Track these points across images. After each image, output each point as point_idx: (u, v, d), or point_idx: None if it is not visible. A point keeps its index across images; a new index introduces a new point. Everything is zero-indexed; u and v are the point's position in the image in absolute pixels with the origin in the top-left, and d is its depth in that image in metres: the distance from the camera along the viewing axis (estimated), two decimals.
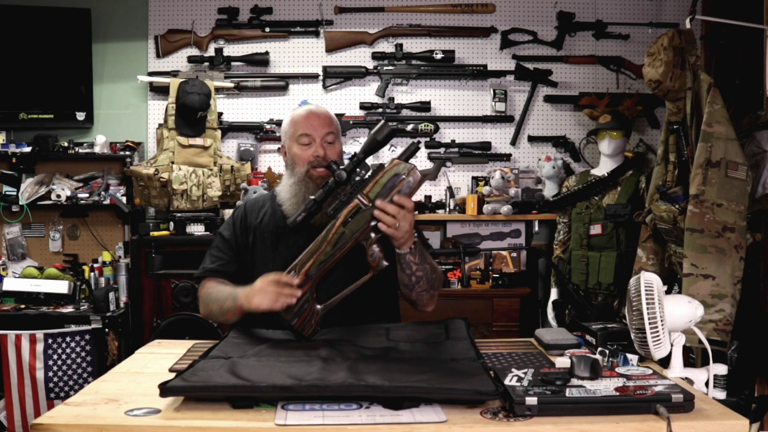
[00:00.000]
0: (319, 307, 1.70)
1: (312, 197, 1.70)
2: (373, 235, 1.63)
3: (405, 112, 3.99)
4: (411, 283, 1.79)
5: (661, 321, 1.53)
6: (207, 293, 1.90)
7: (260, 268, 1.83)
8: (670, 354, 1.57)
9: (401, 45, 3.96)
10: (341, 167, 1.65)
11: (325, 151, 1.87)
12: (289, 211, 1.86)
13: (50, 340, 3.34)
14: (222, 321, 1.87)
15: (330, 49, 3.98)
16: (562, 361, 1.60)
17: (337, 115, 3.82)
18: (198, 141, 3.65)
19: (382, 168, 1.60)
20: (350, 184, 1.65)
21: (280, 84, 3.95)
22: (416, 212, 1.64)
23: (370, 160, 1.83)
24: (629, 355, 1.60)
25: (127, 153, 3.80)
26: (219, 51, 3.93)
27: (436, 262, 1.89)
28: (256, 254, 1.93)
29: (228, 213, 3.48)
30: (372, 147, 1.68)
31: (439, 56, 3.95)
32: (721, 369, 1.66)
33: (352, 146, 4.00)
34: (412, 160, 1.64)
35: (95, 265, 3.80)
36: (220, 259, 1.94)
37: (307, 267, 1.65)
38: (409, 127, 3.94)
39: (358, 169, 1.66)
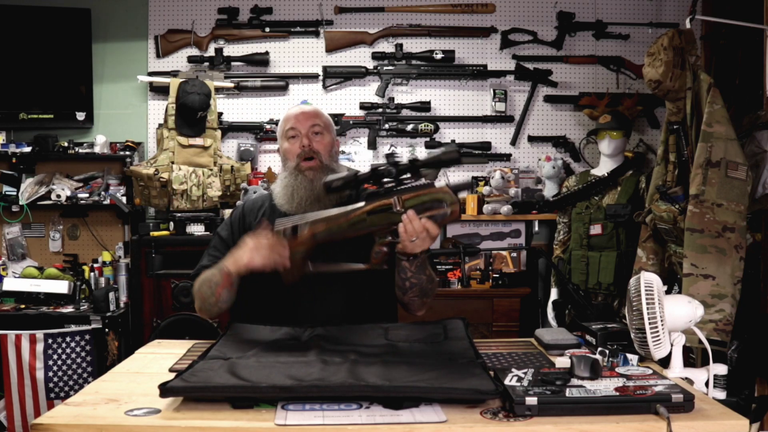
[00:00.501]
0: (311, 267, 1.69)
1: (355, 170, 1.73)
2: (389, 237, 1.64)
3: (405, 112, 3.99)
4: (404, 287, 1.82)
5: (661, 321, 1.53)
6: (198, 281, 1.90)
7: None
8: (670, 354, 1.57)
9: (401, 45, 3.96)
10: (396, 164, 1.63)
11: (311, 141, 1.92)
12: (281, 203, 1.91)
13: (50, 340, 3.34)
14: (213, 304, 1.82)
15: (330, 49, 3.98)
16: (562, 361, 1.60)
17: (337, 115, 3.91)
18: (198, 141, 3.65)
19: (430, 186, 1.59)
20: (395, 183, 1.63)
21: (280, 84, 3.95)
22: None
23: None
24: (629, 355, 1.60)
25: (127, 153, 3.80)
26: (219, 51, 3.93)
27: (434, 273, 1.91)
28: None
29: (228, 213, 3.48)
30: (432, 163, 1.63)
31: (439, 56, 3.95)
32: (721, 369, 1.66)
33: (353, 146, 4.00)
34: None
35: (95, 265, 3.80)
36: (216, 258, 1.94)
37: (318, 228, 1.65)
38: (409, 127, 3.94)
39: (408, 174, 1.63)
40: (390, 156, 1.64)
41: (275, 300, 1.86)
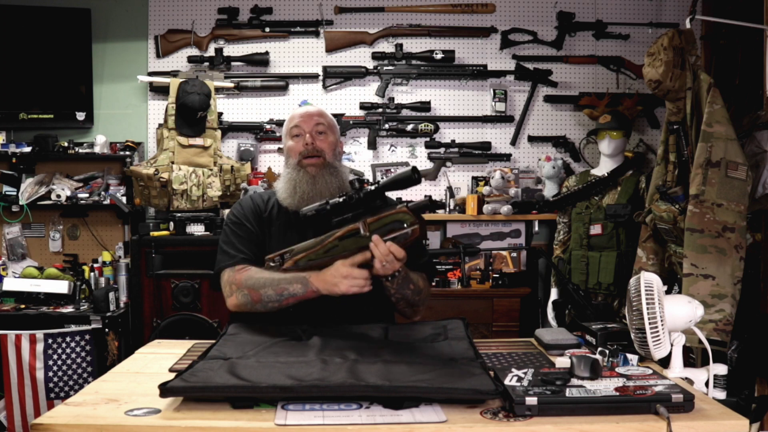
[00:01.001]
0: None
1: (327, 199, 1.78)
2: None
3: (405, 112, 3.99)
4: (391, 301, 1.87)
5: (661, 321, 1.53)
6: (251, 277, 1.82)
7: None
8: (670, 354, 1.57)
9: (401, 45, 3.96)
10: (362, 189, 1.74)
11: (314, 140, 1.94)
12: (283, 198, 1.94)
13: (50, 340, 3.34)
14: (268, 309, 1.80)
15: (330, 49, 3.98)
16: (562, 361, 1.60)
17: (337, 115, 3.90)
18: (198, 141, 3.64)
19: (392, 207, 1.69)
20: (362, 207, 1.74)
21: (280, 84, 3.95)
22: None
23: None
24: (629, 355, 1.60)
25: (127, 153, 3.80)
26: (219, 51, 3.93)
27: (424, 281, 1.93)
28: (271, 243, 1.93)
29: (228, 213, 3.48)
30: (391, 185, 1.74)
31: (439, 56, 3.95)
32: (721, 369, 1.66)
33: (353, 146, 4.00)
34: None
35: (95, 265, 3.80)
36: (246, 248, 1.90)
37: (298, 257, 1.75)
38: (409, 127, 3.94)
39: (374, 198, 1.74)
40: (353, 183, 1.76)
41: None
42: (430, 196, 1.88)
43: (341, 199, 1.76)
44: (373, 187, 1.74)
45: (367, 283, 1.69)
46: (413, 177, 1.70)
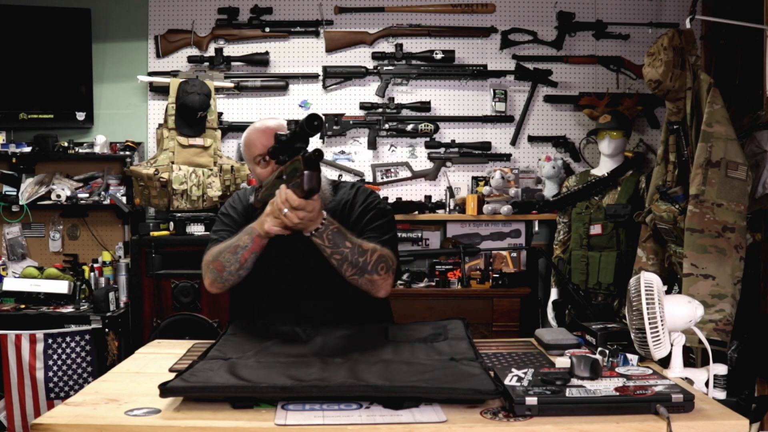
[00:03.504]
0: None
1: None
2: None
3: (405, 112, 3.99)
4: (336, 266, 1.74)
5: (661, 321, 1.53)
6: (212, 251, 1.85)
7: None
8: (670, 354, 1.57)
9: (401, 45, 3.96)
10: (285, 134, 1.69)
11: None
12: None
13: (50, 340, 3.34)
14: (234, 272, 1.78)
15: (330, 49, 3.98)
16: (562, 361, 1.60)
17: (337, 114, 3.90)
18: (198, 141, 3.64)
19: (295, 155, 1.63)
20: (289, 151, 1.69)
21: (280, 84, 3.95)
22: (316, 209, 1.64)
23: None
24: (629, 355, 1.60)
25: (127, 153, 3.80)
26: (219, 51, 3.93)
27: (376, 250, 1.78)
28: None
29: None
30: (301, 130, 1.64)
31: (439, 56, 3.95)
32: (721, 369, 1.66)
33: (353, 146, 4.00)
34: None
35: (95, 265, 3.80)
36: (230, 233, 1.90)
37: (262, 191, 1.80)
38: (409, 127, 3.94)
39: (295, 141, 1.67)
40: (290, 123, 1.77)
41: (272, 286, 1.88)
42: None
43: (282, 137, 1.69)
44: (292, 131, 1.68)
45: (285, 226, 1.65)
46: (313, 125, 1.60)
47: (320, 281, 1.85)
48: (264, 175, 1.91)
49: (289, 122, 1.77)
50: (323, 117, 1.74)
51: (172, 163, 3.59)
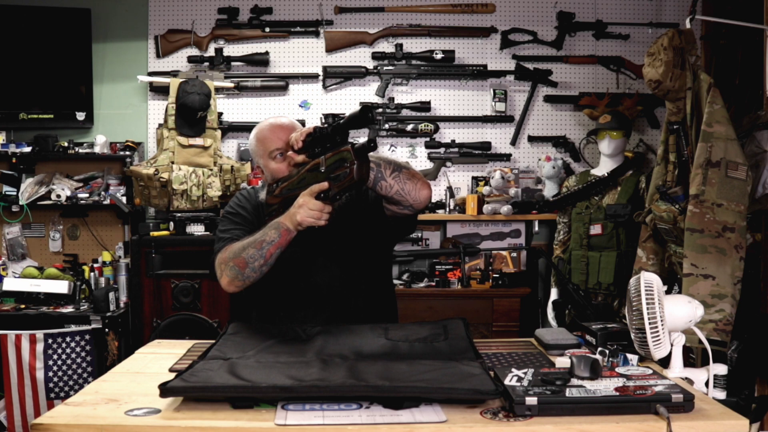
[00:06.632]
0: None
1: (319, 127, 1.78)
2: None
3: (405, 112, 3.99)
4: (390, 187, 1.76)
5: (661, 321, 1.53)
6: (232, 248, 1.83)
7: None
8: (670, 354, 1.57)
9: (401, 45, 3.96)
10: (329, 126, 1.73)
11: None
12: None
13: (50, 340, 3.34)
14: (257, 268, 1.77)
15: (330, 49, 3.98)
16: (562, 361, 1.60)
17: (337, 115, 3.90)
18: (198, 141, 3.64)
19: (342, 145, 1.68)
20: (329, 142, 1.73)
21: (280, 84, 3.95)
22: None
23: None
24: (629, 355, 1.60)
25: (127, 153, 3.80)
26: (219, 51, 3.93)
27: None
28: None
29: None
30: (347, 124, 1.70)
31: (439, 56, 3.95)
32: (721, 369, 1.66)
33: None
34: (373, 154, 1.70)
35: (95, 265, 3.80)
36: (243, 232, 1.90)
37: (283, 185, 1.83)
38: (409, 127, 3.94)
39: (336, 134, 1.72)
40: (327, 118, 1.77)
41: (281, 272, 1.87)
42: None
43: (322, 130, 1.74)
44: (335, 124, 1.72)
45: (323, 216, 1.70)
46: (367, 116, 1.65)
47: (332, 251, 1.88)
48: (279, 171, 1.91)
49: (326, 116, 1.77)
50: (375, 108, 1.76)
51: (172, 163, 3.59)
